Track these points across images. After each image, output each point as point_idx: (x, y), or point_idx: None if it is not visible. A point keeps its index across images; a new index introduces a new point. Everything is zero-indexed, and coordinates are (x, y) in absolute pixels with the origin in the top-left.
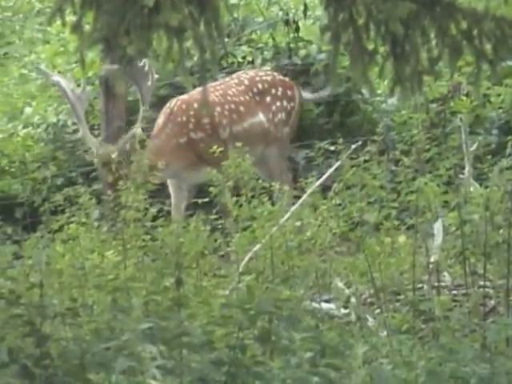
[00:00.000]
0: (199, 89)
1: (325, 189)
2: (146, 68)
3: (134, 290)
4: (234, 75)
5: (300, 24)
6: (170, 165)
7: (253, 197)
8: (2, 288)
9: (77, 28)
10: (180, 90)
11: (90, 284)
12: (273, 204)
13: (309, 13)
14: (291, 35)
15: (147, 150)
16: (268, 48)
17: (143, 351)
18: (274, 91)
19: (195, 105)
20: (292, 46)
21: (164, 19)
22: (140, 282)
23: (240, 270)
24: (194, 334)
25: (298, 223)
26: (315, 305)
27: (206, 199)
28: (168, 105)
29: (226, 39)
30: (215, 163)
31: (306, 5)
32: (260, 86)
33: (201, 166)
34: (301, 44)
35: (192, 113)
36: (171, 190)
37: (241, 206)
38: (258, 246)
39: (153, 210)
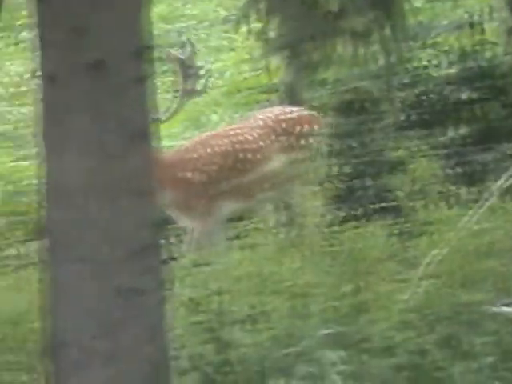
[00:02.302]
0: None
1: (505, 192)
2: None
3: (312, 296)
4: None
5: (485, 26)
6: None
7: (432, 201)
8: (182, 296)
9: (262, 35)
10: (366, 94)
11: (268, 290)
12: (451, 208)
13: (494, 15)
14: (476, 38)
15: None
16: (453, 51)
17: (323, 357)
18: (299, 128)
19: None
20: (477, 48)
21: (349, 24)
22: (318, 288)
23: (419, 274)
24: (373, 339)
25: (477, 227)
26: (495, 309)
27: (384, 204)
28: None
29: (411, 42)
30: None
31: (491, 7)
32: (284, 124)
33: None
34: (486, 46)
35: (195, 155)
36: None
37: (418, 210)
38: (436, 251)
39: (330, 216)
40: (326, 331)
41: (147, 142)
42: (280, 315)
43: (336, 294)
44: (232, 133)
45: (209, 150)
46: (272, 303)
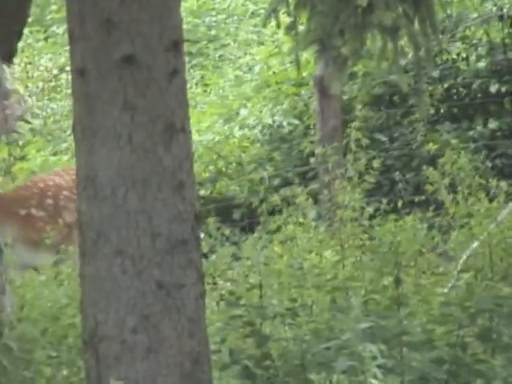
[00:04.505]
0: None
1: None
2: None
3: (352, 290)
4: None
5: None
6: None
7: (470, 194)
8: (222, 289)
9: (291, 29)
10: (394, 88)
11: (308, 284)
12: (490, 201)
13: None
14: (506, 31)
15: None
16: (482, 44)
17: (363, 350)
18: None
19: (41, 184)
20: (507, 41)
21: (378, 19)
22: (358, 282)
23: (459, 267)
24: (413, 332)
25: None
26: None
27: (423, 197)
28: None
29: (440, 36)
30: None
31: None
32: None
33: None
34: None
35: (36, 191)
36: None
37: (458, 203)
38: (476, 244)
39: (369, 209)
40: (367, 324)
41: (182, 135)
42: (320, 309)
43: (376, 287)
44: (64, 173)
45: (42, 187)
46: (312, 297)
